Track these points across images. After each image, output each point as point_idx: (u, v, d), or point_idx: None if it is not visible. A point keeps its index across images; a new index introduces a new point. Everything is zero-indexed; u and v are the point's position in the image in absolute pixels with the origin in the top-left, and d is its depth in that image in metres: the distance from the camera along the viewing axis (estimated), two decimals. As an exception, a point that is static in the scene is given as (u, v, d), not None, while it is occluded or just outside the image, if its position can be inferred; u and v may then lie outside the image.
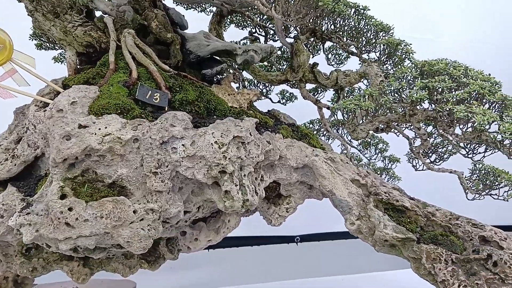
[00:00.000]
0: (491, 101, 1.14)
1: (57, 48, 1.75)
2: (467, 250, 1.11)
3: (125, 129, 1.02)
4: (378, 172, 1.90)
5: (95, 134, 1.00)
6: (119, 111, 1.05)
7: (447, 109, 1.11)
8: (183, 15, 1.47)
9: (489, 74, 1.25)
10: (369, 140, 1.88)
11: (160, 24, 1.33)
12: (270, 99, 1.97)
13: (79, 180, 1.03)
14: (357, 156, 2.00)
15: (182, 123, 1.04)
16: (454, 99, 1.13)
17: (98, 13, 1.42)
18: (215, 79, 1.42)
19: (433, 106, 1.20)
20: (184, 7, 1.80)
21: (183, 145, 1.03)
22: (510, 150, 1.14)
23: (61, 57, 1.84)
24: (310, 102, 1.79)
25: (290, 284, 1.95)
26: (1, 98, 1.09)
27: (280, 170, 1.25)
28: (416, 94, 1.16)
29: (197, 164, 1.04)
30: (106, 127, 1.01)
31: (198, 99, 1.21)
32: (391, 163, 1.86)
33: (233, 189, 1.06)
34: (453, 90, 1.16)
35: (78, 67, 1.40)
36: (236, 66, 1.60)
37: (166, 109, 1.14)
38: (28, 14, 1.34)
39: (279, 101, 1.99)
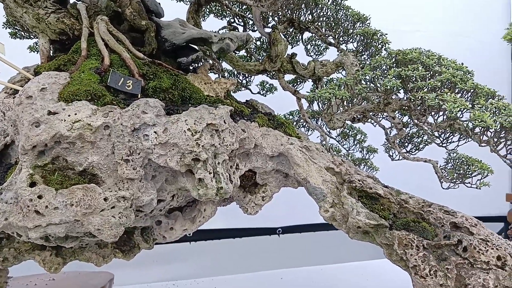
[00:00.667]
0: (463, 89, 1.16)
1: (32, 37, 1.72)
2: (439, 236, 1.13)
3: (96, 115, 1.01)
4: (357, 163, 1.91)
5: (65, 120, 0.98)
6: (89, 97, 1.04)
7: (419, 97, 1.12)
8: (159, 3, 1.46)
9: (462, 64, 1.27)
10: (348, 131, 1.90)
11: (135, 11, 1.31)
12: (250, 90, 1.96)
13: (49, 167, 1.02)
14: (336, 147, 2.01)
15: (154, 110, 1.03)
16: (427, 88, 1.14)
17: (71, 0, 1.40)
18: (191, 68, 1.41)
19: (407, 95, 1.21)
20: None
21: (155, 132, 1.02)
22: (481, 138, 1.17)
23: (36, 46, 1.80)
24: (291, 94, 1.80)
25: (270, 274, 1.96)
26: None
27: (256, 159, 1.25)
28: (390, 83, 1.16)
29: (169, 151, 1.03)
30: (75, 114, 0.99)
31: (173, 87, 1.20)
32: (369, 153, 1.87)
33: (206, 177, 1.06)
34: (425, 78, 1.17)
35: (52, 54, 1.38)
36: (214, 56, 1.59)
37: (139, 97, 1.12)
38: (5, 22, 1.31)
39: (259, 92, 1.99)
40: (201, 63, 1.43)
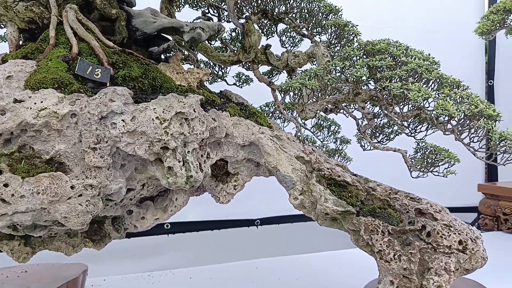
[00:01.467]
0: (428, 79, 1.19)
1: (3, 26, 1.69)
2: (404, 222, 1.16)
3: (62, 103, 1.00)
4: (331, 154, 1.94)
5: (31, 108, 0.98)
6: (56, 85, 1.03)
7: (385, 86, 1.15)
8: (131, -8, 1.45)
9: (429, 54, 1.30)
10: (322, 122, 1.92)
11: (105, 0, 1.30)
12: (225, 81, 1.97)
13: (15, 156, 1.01)
14: (311, 138, 2.03)
15: (122, 98, 1.03)
16: (393, 78, 1.17)
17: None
18: (163, 57, 1.41)
19: (375, 84, 1.24)
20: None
21: (123, 120, 1.02)
22: (445, 126, 1.20)
23: (4, 37, 1.77)
24: (267, 85, 1.81)
25: (246, 264, 1.98)
26: None
27: (227, 148, 1.26)
28: (358, 73, 1.19)
29: (138, 139, 1.03)
30: (42, 102, 0.99)
31: (143, 76, 1.20)
32: (343, 144, 1.90)
33: (176, 165, 1.06)
34: (393, 69, 1.20)
35: (21, 43, 1.36)
36: (187, 45, 1.58)
37: (108, 85, 1.12)
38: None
39: (235, 84, 1.99)
40: (174, 53, 1.42)
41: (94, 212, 1.01)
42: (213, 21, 1.76)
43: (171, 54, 1.41)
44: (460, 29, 3.22)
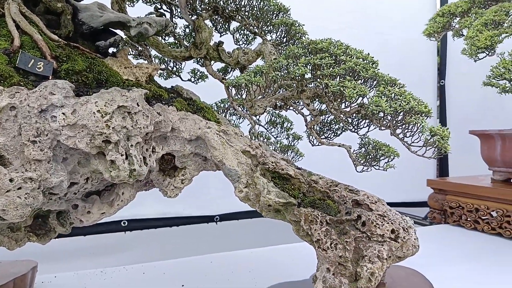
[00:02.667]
0: (365, 77, 1.25)
1: None
2: (341, 213, 1.22)
3: (1, 96, 0.99)
4: (284, 149, 1.99)
5: (-34, 101, 0.97)
6: (-6, 78, 1.02)
7: (324, 84, 1.20)
8: (79, -14, 1.44)
9: (368, 54, 1.36)
10: (275, 119, 1.97)
11: (50, -7, 1.29)
12: (180, 77, 1.98)
13: (-49, 149, 0.99)
14: (265, 135, 2.08)
15: (62, 91, 1.04)
16: (332, 75, 1.22)
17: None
18: (110, 52, 1.41)
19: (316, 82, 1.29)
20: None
21: (63, 113, 1.02)
22: (381, 122, 1.27)
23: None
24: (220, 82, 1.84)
25: (200, 259, 2.00)
26: None
27: (174, 142, 1.28)
28: (299, 70, 1.23)
29: (78, 133, 1.04)
30: (-22, 94, 0.98)
31: (88, 69, 1.20)
32: (295, 140, 1.96)
33: (118, 158, 1.08)
34: (332, 67, 1.26)
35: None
36: (134, 40, 1.59)
37: (50, 78, 1.12)
38: None
39: (189, 80, 2.01)
40: (122, 47, 1.43)
41: (33, 205, 1.01)
42: (165, 17, 1.77)
43: (119, 49, 1.42)
44: (413, 30, 3.36)
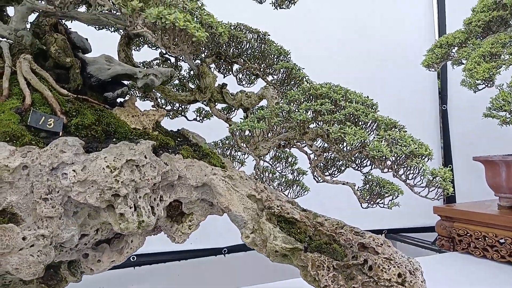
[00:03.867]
0: (365, 122, 1.28)
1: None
2: (348, 257, 1.23)
3: (13, 156, 1.03)
4: (290, 184, 2.02)
5: (-19, 163, 1.00)
6: (8, 138, 1.06)
7: (326, 130, 1.23)
8: (86, 38, 1.50)
9: (367, 97, 1.40)
10: (279, 154, 2.00)
11: (60, 49, 1.35)
12: (185, 117, 2.03)
13: (-34, 209, 1.03)
14: (270, 169, 2.10)
15: (72, 149, 1.07)
16: (333, 121, 1.26)
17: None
18: (118, 102, 1.46)
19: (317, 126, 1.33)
20: (96, 28, 1.82)
21: (73, 170, 1.06)
22: (383, 164, 1.29)
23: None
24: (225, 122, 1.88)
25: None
26: None
27: (181, 189, 1.31)
28: (301, 116, 1.27)
29: (88, 188, 1.07)
30: (-8, 156, 1.02)
31: (96, 122, 1.25)
32: (300, 175, 1.98)
33: (127, 211, 1.11)
34: (332, 112, 1.29)
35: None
36: (141, 91, 1.64)
37: (60, 134, 1.16)
38: None
39: (195, 119, 2.06)
40: (129, 97, 1.47)
41: (46, 261, 1.03)
42: (170, 61, 1.83)
43: (126, 98, 1.47)
44: (412, 54, 3.40)
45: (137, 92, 1.91)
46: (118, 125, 1.31)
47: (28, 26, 1.42)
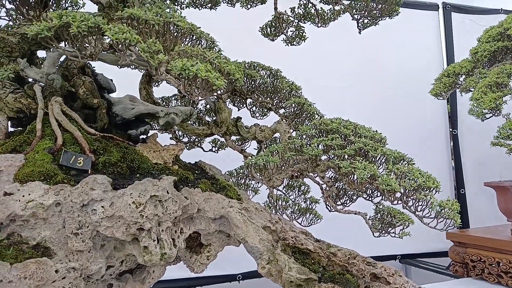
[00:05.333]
0: (374, 156, 1.35)
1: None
2: (360, 287, 1.28)
3: (48, 194, 1.12)
4: (303, 212, 2.07)
5: (19, 201, 1.09)
6: (42, 178, 1.16)
7: (337, 164, 1.30)
8: (111, 79, 1.61)
9: (376, 131, 1.47)
10: (292, 183, 2.06)
11: (88, 91, 1.45)
12: (202, 148, 2.11)
13: (4, 243, 1.11)
14: (284, 198, 2.16)
15: (101, 187, 1.16)
16: (343, 155, 1.32)
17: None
18: (141, 138, 1.55)
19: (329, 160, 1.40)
20: (119, 67, 1.94)
21: (102, 206, 1.14)
22: (392, 197, 1.35)
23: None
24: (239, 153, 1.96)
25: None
26: None
27: (200, 222, 1.38)
28: (313, 151, 1.34)
29: (116, 223, 1.15)
30: (29, 194, 1.11)
31: (122, 159, 1.34)
32: (312, 203, 2.04)
33: (151, 244, 1.18)
34: (343, 147, 1.36)
35: (10, 129, 1.49)
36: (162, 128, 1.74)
37: (89, 172, 1.25)
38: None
39: (211, 150, 2.14)
40: (151, 133, 1.57)
41: (76, 293, 1.10)
42: (187, 97, 1.92)
43: (148, 135, 1.56)
44: (425, 80, 3.46)
45: (156, 125, 2.01)
46: (142, 161, 1.40)
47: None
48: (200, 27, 1.21)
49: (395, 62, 3.52)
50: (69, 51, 1.20)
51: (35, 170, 1.16)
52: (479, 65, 2.43)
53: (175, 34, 1.18)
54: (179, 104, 2.04)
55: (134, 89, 1.71)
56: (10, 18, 1.64)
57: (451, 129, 3.65)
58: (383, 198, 1.44)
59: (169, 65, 0.99)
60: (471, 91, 2.39)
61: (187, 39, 1.22)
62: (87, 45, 1.12)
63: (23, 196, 1.11)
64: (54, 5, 1.48)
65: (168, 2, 1.93)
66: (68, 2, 1.72)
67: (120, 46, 1.03)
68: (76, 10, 1.62)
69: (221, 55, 1.22)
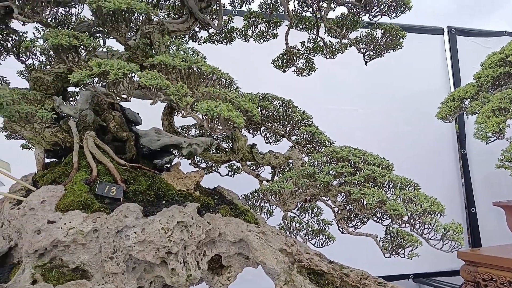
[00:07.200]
0: (382, 182, 1.45)
1: (25, 141, 1.97)
2: (371, 305, 1.37)
3: (86, 222, 1.25)
4: (316, 233, 2.16)
5: (61, 228, 1.22)
6: (81, 207, 1.28)
7: (347, 191, 1.41)
8: (138, 113, 1.75)
9: (383, 158, 1.57)
10: (305, 206, 2.17)
11: (117, 125, 1.59)
12: (219, 173, 2.24)
13: (47, 266, 1.23)
14: (298, 220, 2.26)
15: (134, 214, 1.28)
16: (353, 182, 1.43)
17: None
18: (165, 166, 1.68)
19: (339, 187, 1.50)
20: (141, 98, 2.09)
21: (135, 232, 1.26)
22: (399, 220, 1.45)
23: (27, 144, 2.05)
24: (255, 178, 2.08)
25: None
26: (-20, 199, 1.30)
27: (221, 245, 1.49)
28: (325, 178, 1.45)
29: (146, 247, 1.27)
30: (70, 222, 1.23)
31: (149, 187, 1.46)
32: (325, 225, 2.13)
33: (178, 266, 1.29)
34: (352, 174, 1.47)
35: (46, 161, 1.63)
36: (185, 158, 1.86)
37: (121, 200, 1.37)
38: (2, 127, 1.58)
39: (227, 174, 2.26)
40: (174, 162, 1.70)
41: (111, 312, 1.22)
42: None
43: (172, 164, 1.69)
44: (434, 101, 3.55)
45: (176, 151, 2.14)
46: (167, 188, 1.52)
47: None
48: (220, 69, 1.34)
49: (403, 85, 3.63)
50: (103, 92, 1.34)
51: (75, 200, 1.29)
52: (484, 89, 2.53)
53: (199, 75, 1.32)
54: (197, 132, 2.18)
55: (153, 117, 1.85)
56: (46, 58, 1.79)
57: (459, 149, 3.72)
58: (392, 221, 1.54)
59: (196, 106, 1.12)
60: (477, 113, 2.49)
61: (209, 79, 1.35)
62: (121, 87, 1.26)
63: (65, 223, 1.23)
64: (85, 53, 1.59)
65: (187, 39, 2.09)
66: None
67: (152, 89, 1.17)
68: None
69: (240, 93, 1.35)
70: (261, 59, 2.50)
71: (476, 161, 3.65)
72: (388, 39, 1.82)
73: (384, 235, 1.75)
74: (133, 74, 1.20)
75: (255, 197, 2.26)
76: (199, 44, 2.13)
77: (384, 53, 1.86)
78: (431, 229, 1.41)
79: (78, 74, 1.17)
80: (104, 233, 1.25)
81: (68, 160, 1.48)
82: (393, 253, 1.67)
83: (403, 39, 1.84)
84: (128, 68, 1.17)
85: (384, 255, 1.70)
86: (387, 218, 1.62)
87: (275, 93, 2.01)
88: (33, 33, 1.70)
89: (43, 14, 1.35)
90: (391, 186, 1.50)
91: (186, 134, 2.11)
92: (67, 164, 1.47)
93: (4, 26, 1.68)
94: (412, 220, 1.43)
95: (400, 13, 1.71)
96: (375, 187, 1.42)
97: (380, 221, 1.67)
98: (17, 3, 1.31)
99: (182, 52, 1.35)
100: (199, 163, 2.24)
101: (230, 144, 1.99)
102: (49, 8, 1.38)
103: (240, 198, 1.91)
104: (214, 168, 2.24)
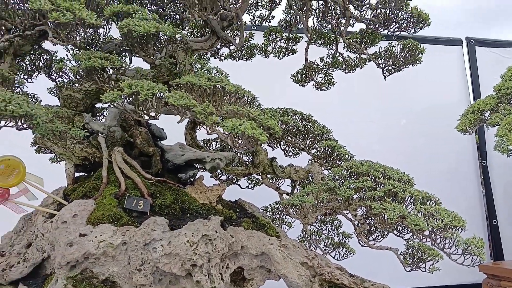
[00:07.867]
0: (403, 197, 1.47)
1: (54, 154, 2.05)
2: (393, 319, 1.38)
3: (116, 235, 1.30)
4: (336, 246, 2.18)
5: (92, 241, 1.28)
6: (111, 220, 1.34)
7: (368, 205, 1.43)
8: (162, 128, 1.81)
9: (404, 172, 1.59)
10: (325, 218, 2.18)
11: (144, 140, 1.65)
12: (239, 185, 2.28)
13: (78, 277, 1.29)
14: (317, 232, 2.28)
15: (161, 227, 1.33)
16: (374, 197, 1.45)
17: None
18: (189, 180, 1.73)
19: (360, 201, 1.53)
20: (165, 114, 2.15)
21: (161, 245, 1.31)
22: (419, 235, 1.46)
23: (56, 158, 2.13)
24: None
25: None
26: (15, 213, 1.37)
27: (243, 258, 1.53)
28: (345, 193, 1.48)
29: (173, 260, 1.31)
30: (101, 235, 1.29)
31: (175, 201, 1.51)
32: (345, 238, 2.15)
33: (202, 279, 1.33)
34: (373, 189, 1.49)
35: (76, 175, 1.70)
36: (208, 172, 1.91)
37: (148, 213, 1.43)
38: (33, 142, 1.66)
39: (247, 186, 2.30)
40: (197, 176, 1.75)
41: (139, 322, 1.26)
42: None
43: (195, 178, 1.74)
44: (450, 111, 3.52)
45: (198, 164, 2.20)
46: (191, 202, 1.57)
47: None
48: (244, 88, 1.39)
49: (422, 97, 3.62)
50: (132, 110, 1.40)
51: (105, 214, 1.35)
52: (504, 100, 2.52)
53: (223, 93, 1.37)
54: (219, 145, 2.23)
55: (176, 131, 1.91)
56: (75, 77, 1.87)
57: (480, 160, 3.68)
58: (413, 235, 1.55)
59: (221, 124, 1.17)
60: (498, 125, 2.48)
61: (232, 97, 1.40)
62: (149, 105, 1.31)
63: (96, 237, 1.29)
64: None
65: (209, 55, 2.15)
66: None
67: (179, 108, 1.22)
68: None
69: (262, 110, 1.39)
70: (276, 74, 2.55)
71: (497, 172, 3.61)
72: (407, 55, 1.84)
73: (405, 249, 1.76)
74: (162, 94, 1.26)
75: (275, 209, 2.29)
76: (220, 60, 2.19)
77: (403, 68, 1.89)
78: (452, 243, 1.42)
79: (110, 95, 1.23)
80: (132, 246, 1.30)
81: (97, 175, 1.54)
82: (414, 266, 1.68)
83: (422, 54, 1.86)
84: (157, 88, 1.23)
85: (405, 268, 1.71)
86: (408, 232, 1.64)
87: (291, 107, 2.05)
88: (66, 54, 1.77)
89: (77, 38, 1.42)
90: (411, 200, 1.51)
91: (208, 148, 2.16)
92: (97, 179, 1.53)
93: (37, 47, 1.76)
94: (433, 235, 1.44)
95: (419, 29, 1.74)
96: (396, 202, 1.44)
97: (400, 235, 1.68)
98: (52, 28, 1.39)
99: (206, 71, 1.40)
100: (219, 175, 2.29)
101: (251, 158, 2.04)
102: (82, 31, 1.45)
103: (260, 210, 1.95)
104: (234, 181, 2.29)
